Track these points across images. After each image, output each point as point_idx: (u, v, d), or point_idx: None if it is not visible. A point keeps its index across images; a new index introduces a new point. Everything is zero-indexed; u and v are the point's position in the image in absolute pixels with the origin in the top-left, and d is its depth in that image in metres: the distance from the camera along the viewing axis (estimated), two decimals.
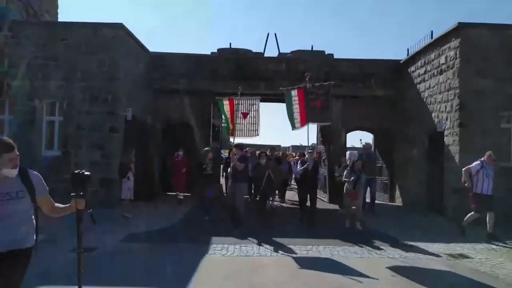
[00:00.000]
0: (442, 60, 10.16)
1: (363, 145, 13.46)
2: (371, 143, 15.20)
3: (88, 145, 10.29)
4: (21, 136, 10.33)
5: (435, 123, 10.57)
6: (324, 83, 9.27)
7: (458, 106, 9.39)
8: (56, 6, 14.60)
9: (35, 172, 3.06)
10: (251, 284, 5.11)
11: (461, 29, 9.41)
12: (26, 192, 2.89)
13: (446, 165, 9.91)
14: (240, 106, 9.35)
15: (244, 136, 9.83)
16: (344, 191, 8.87)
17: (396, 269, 5.77)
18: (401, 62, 13.02)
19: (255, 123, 9.59)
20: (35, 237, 2.99)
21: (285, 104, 9.54)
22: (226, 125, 9.74)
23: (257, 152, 12.97)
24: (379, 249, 7.04)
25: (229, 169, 11.36)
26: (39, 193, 3.00)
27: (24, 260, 2.88)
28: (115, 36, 10.33)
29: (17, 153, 2.80)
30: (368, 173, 10.11)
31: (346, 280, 5.27)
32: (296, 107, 9.41)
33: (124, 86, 10.79)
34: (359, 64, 13.64)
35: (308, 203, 9.20)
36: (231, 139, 9.86)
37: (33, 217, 2.98)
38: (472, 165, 7.69)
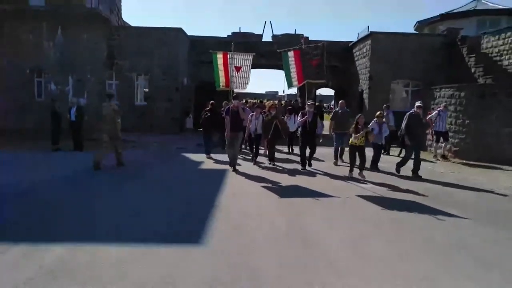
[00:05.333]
0: (364, 50, 17.77)
1: (340, 102, 13.12)
2: (332, 97, 22.99)
3: (162, 99, 18.09)
4: (123, 93, 18.16)
5: (360, 86, 18.38)
6: (318, 44, 9.76)
7: (368, 78, 17.15)
8: (120, 6, 21.63)
9: None
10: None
11: (372, 35, 16.94)
12: None
13: (364, 110, 17.83)
14: (233, 60, 9.76)
15: (235, 88, 10.12)
16: None
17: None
18: (350, 45, 20.47)
19: (246, 77, 9.96)
20: None
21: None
22: (217, 77, 10.04)
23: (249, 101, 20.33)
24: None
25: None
26: None
27: None
28: (176, 36, 17.82)
29: None
30: (343, 127, 10.65)
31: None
32: (292, 67, 9.85)
33: (181, 63, 18.42)
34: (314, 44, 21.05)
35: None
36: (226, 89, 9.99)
37: None
38: (432, 114, 11.96)
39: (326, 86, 22.66)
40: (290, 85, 10.22)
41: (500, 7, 20.57)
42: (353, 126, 8.92)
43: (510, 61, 14.98)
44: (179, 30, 17.93)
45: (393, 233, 5.12)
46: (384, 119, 10.06)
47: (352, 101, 19.88)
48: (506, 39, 15.36)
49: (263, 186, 7.82)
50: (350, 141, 8.99)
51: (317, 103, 20.02)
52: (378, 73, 17.02)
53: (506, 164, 11.13)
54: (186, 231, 4.98)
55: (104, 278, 3.56)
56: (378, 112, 9.98)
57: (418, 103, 9.41)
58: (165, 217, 5.54)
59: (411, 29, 23.86)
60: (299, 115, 10.37)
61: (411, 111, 9.46)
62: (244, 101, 16.66)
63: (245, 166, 10.21)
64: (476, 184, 8.51)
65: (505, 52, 15.37)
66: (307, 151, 9.96)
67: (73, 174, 8.56)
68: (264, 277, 3.68)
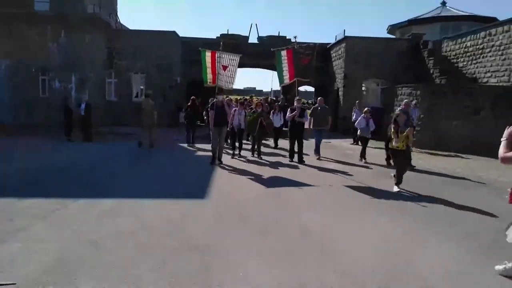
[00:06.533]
0: (339, 52, 19.87)
1: (318, 99, 13.30)
2: (313, 94, 25.06)
3: (157, 95, 19.84)
4: (121, 90, 19.90)
5: (336, 84, 20.50)
6: (311, 44, 10.55)
7: (343, 77, 19.26)
8: (117, 10, 23.26)
9: None
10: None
11: (346, 39, 19.05)
12: None
13: (339, 106, 19.97)
14: (221, 59, 10.11)
15: (221, 86, 10.40)
16: None
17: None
18: (328, 46, 22.55)
19: (232, 77, 10.31)
20: None
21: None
22: (205, 74, 10.30)
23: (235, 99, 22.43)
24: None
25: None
26: None
27: None
28: (170, 38, 19.63)
29: None
30: (321, 123, 11.12)
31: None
32: (285, 65, 10.36)
33: (175, 63, 20.24)
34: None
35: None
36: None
37: None
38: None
39: (308, 84, 24.72)
40: (281, 82, 10.66)
41: (462, 13, 22.87)
42: (392, 127, 7.48)
43: (464, 63, 17.27)
44: (173, 33, 19.74)
45: (347, 194, 7.19)
46: (370, 114, 10.86)
47: (330, 98, 22.02)
48: (462, 44, 17.63)
49: (248, 172, 9.79)
50: (391, 146, 7.65)
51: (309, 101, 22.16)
52: (352, 73, 19.15)
53: (455, 151, 13.34)
54: (193, 192, 6.97)
55: (145, 216, 5.51)
56: (366, 108, 10.90)
57: (405, 101, 10.53)
58: (176, 184, 7.52)
59: (385, 31, 26.08)
60: (287, 111, 10.80)
61: (400, 107, 10.03)
62: (228, 98, 18.39)
63: (228, 158, 11.11)
64: (419, 166, 10.64)
65: (460, 55, 17.65)
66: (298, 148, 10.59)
67: (93, 158, 10.44)
68: (249, 217, 5.69)
